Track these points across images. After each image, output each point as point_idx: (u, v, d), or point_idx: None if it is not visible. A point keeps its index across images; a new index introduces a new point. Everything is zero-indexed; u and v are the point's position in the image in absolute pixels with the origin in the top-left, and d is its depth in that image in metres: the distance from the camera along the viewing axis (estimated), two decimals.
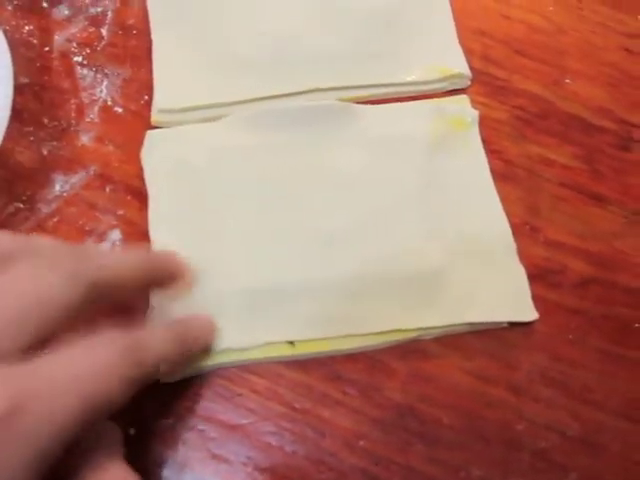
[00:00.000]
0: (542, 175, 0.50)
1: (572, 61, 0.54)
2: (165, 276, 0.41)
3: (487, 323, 0.45)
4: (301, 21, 0.52)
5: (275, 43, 0.52)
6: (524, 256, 0.47)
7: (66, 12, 0.54)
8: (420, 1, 0.54)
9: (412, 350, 0.45)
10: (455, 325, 0.45)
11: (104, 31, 0.53)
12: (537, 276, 0.47)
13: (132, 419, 0.42)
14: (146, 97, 0.51)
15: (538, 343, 0.45)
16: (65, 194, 0.48)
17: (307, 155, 0.48)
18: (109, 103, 0.51)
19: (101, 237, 0.47)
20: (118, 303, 0.42)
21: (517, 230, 0.48)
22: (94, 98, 0.51)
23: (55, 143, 0.50)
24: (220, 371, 0.44)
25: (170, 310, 0.43)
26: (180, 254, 0.43)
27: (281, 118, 0.49)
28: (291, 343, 0.44)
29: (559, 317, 0.46)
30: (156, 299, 0.44)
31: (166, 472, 0.41)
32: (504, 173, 0.50)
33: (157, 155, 0.48)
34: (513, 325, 0.45)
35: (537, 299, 0.46)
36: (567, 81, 0.53)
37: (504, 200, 0.48)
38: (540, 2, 0.56)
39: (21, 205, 0.48)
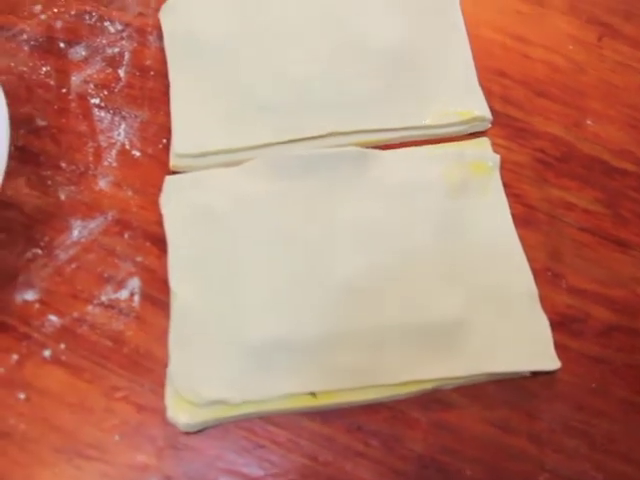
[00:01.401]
0: (563, 219, 0.50)
1: (593, 102, 0.54)
2: None
3: (509, 373, 0.44)
4: (319, 64, 0.52)
5: (293, 87, 0.51)
6: (546, 303, 0.47)
7: (83, 53, 0.54)
8: (439, 41, 0.54)
9: (433, 400, 0.44)
10: (477, 375, 0.44)
11: (121, 72, 0.53)
12: (559, 324, 0.46)
13: (155, 470, 0.42)
14: (164, 140, 0.51)
15: (560, 392, 0.45)
16: (83, 240, 0.48)
17: (326, 203, 0.48)
18: (127, 147, 0.51)
19: (120, 285, 0.47)
20: None
21: (539, 276, 0.47)
22: (112, 141, 0.51)
23: (73, 187, 0.49)
24: (242, 422, 0.43)
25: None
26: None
27: (300, 165, 0.49)
28: (313, 394, 0.44)
29: (582, 366, 0.46)
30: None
31: None
32: (525, 217, 0.49)
33: (176, 201, 0.48)
34: (535, 374, 0.45)
35: (559, 347, 0.45)
36: (588, 122, 0.53)
37: (525, 245, 0.48)
38: (560, 41, 0.56)
39: (39, 251, 0.47)
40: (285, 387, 0.43)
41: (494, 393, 0.45)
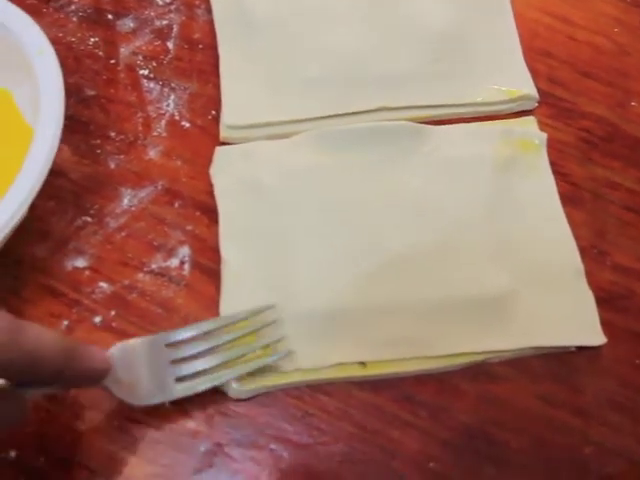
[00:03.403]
0: (608, 198, 0.50)
1: (637, 83, 0.54)
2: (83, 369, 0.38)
3: (555, 347, 0.45)
4: (369, 41, 0.53)
5: (342, 61, 0.52)
6: (591, 280, 0.47)
7: (131, 25, 0.54)
8: (486, 21, 0.54)
9: (480, 372, 0.45)
10: (523, 349, 0.45)
11: (170, 44, 0.54)
12: (604, 300, 0.47)
13: (205, 436, 0.42)
14: (213, 112, 0.51)
15: (605, 368, 0.45)
16: (133, 208, 0.48)
17: (376, 176, 0.48)
18: (176, 117, 0.51)
19: (170, 253, 0.47)
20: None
21: (584, 254, 0.48)
22: (161, 112, 0.51)
23: (122, 157, 0.50)
24: (291, 390, 0.44)
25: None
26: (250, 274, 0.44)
27: (351, 138, 0.49)
28: (362, 364, 0.44)
29: (626, 342, 0.46)
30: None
31: None
32: (570, 196, 0.50)
33: (227, 172, 0.48)
34: (580, 349, 0.45)
35: (604, 323, 0.46)
36: (633, 104, 0.53)
37: (571, 223, 0.48)
38: (605, 23, 0.56)
39: (89, 219, 0.48)
40: (335, 357, 0.44)
41: (540, 367, 0.45)
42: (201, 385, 0.42)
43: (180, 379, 0.42)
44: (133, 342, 0.41)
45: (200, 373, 0.42)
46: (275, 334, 0.44)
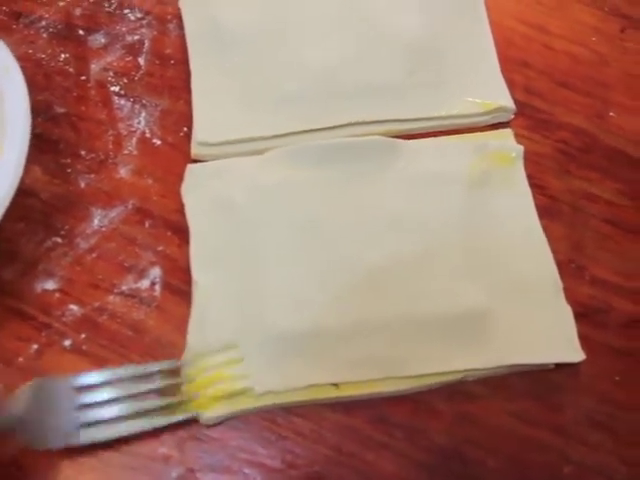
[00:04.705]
0: (586, 211, 0.49)
1: (615, 94, 0.53)
2: None
3: (533, 365, 0.44)
4: (341, 53, 0.52)
5: (315, 76, 0.51)
6: (569, 294, 0.46)
7: (102, 40, 0.53)
8: (462, 31, 0.53)
9: (456, 392, 0.44)
10: (500, 367, 0.44)
11: (141, 60, 0.53)
12: (582, 315, 0.46)
13: (177, 462, 0.41)
14: (184, 129, 0.51)
15: (584, 385, 0.45)
16: (104, 229, 0.48)
17: (349, 192, 0.48)
18: (147, 135, 0.51)
19: (141, 274, 0.46)
20: None
21: (562, 268, 0.47)
22: (132, 129, 0.51)
23: (93, 176, 0.49)
24: (264, 413, 0.43)
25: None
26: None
27: (323, 154, 0.48)
28: (335, 385, 0.43)
29: (605, 358, 0.45)
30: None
31: None
32: (548, 209, 0.49)
33: (198, 191, 0.48)
34: (558, 366, 0.45)
35: (582, 339, 0.45)
36: (611, 114, 0.52)
37: (548, 236, 0.48)
38: (582, 32, 0.56)
39: (59, 240, 0.47)
40: (307, 378, 0.43)
41: (517, 384, 0.44)
42: (107, 434, 0.41)
43: (85, 425, 0.41)
44: (38, 382, 0.41)
45: (106, 421, 0.41)
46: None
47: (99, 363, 0.44)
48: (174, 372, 0.43)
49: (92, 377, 0.42)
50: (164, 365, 0.43)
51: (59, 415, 0.41)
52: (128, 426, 0.41)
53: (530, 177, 0.50)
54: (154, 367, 0.43)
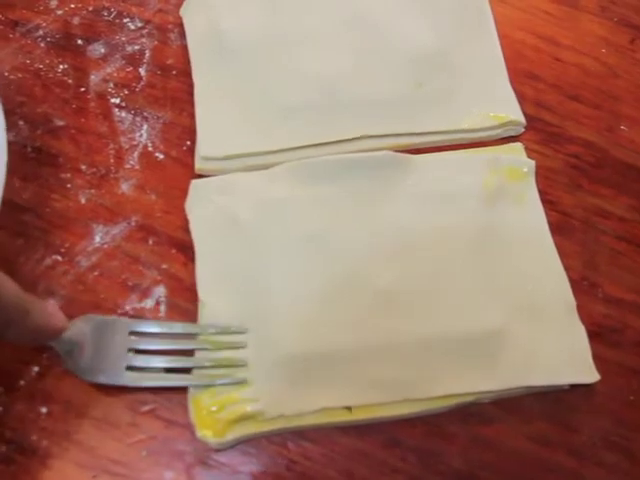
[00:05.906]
0: (599, 227, 0.49)
1: (625, 106, 0.53)
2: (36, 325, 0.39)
3: (547, 386, 0.43)
4: (349, 66, 0.51)
5: (321, 88, 0.50)
6: (583, 313, 0.46)
7: (102, 50, 0.52)
8: (470, 43, 0.52)
9: (470, 414, 0.43)
10: (514, 389, 0.43)
11: (142, 71, 0.51)
12: (596, 334, 0.45)
13: None
14: (188, 142, 0.49)
15: (598, 405, 0.44)
16: (106, 246, 0.46)
17: (358, 210, 0.46)
18: (149, 149, 0.49)
19: (145, 293, 0.45)
20: None
21: (575, 286, 0.46)
22: (134, 143, 0.49)
23: (94, 191, 0.48)
24: (274, 437, 0.42)
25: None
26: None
27: (331, 169, 0.47)
28: (348, 408, 0.42)
29: (620, 377, 0.45)
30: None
31: None
32: (560, 225, 0.48)
33: (203, 207, 0.46)
34: (573, 386, 0.44)
35: (596, 358, 0.44)
36: (622, 127, 0.52)
37: (561, 254, 0.47)
38: (592, 44, 0.55)
39: (59, 258, 0.46)
40: (319, 401, 0.42)
41: (532, 406, 0.43)
42: (149, 381, 0.42)
43: (130, 368, 0.42)
44: (100, 317, 0.42)
45: (152, 370, 0.42)
46: (238, 359, 0.43)
47: (102, 386, 0.42)
48: None
49: (148, 325, 0.43)
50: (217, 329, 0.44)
51: (111, 352, 0.42)
52: (171, 379, 0.42)
53: (542, 193, 0.49)
54: (210, 329, 0.43)
